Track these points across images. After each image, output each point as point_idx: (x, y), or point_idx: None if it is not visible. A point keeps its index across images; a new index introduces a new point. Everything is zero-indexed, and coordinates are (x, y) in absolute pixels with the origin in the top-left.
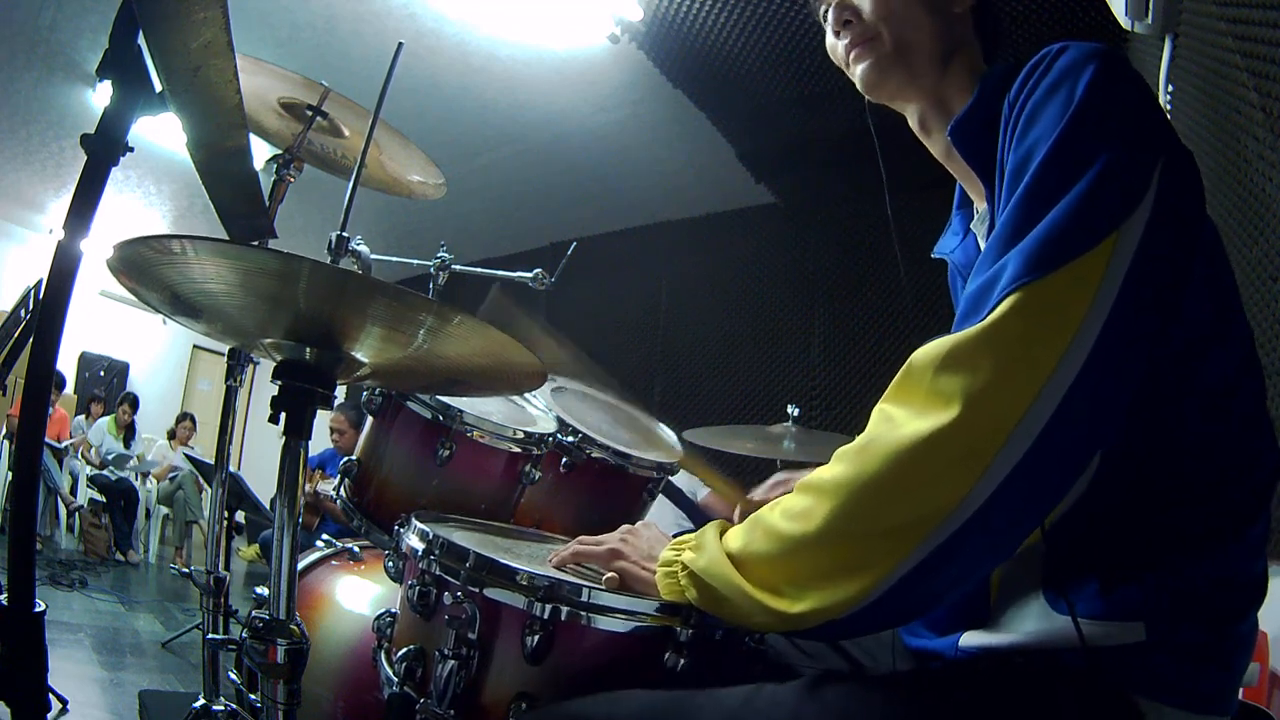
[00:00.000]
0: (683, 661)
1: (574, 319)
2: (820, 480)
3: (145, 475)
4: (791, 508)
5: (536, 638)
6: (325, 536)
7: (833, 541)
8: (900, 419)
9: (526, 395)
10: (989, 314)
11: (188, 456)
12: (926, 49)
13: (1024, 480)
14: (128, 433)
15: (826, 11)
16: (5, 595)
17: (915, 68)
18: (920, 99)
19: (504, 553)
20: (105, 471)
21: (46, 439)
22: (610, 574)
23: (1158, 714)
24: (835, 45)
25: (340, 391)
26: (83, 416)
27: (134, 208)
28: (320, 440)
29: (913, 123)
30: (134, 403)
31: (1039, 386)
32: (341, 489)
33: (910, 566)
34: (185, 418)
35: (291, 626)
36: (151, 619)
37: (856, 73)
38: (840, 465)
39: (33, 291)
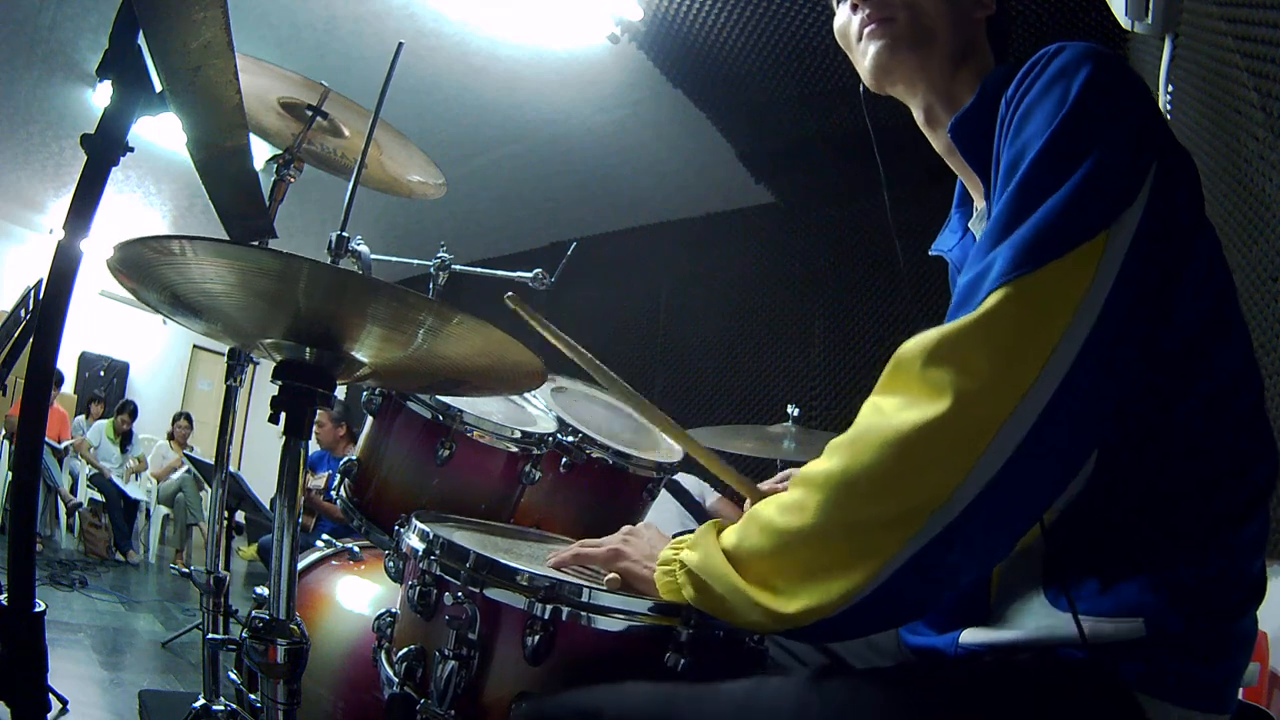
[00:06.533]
0: (683, 661)
1: (574, 319)
2: (812, 473)
3: (137, 475)
4: (785, 502)
5: (537, 638)
6: (325, 536)
7: (826, 534)
8: (890, 410)
9: (526, 395)
10: (978, 306)
11: (188, 457)
12: (942, 43)
13: (1016, 474)
14: (124, 439)
15: None
16: (5, 595)
17: (928, 58)
18: (929, 92)
19: (504, 553)
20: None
21: (46, 439)
22: (612, 574)
23: (1158, 710)
24: (848, 23)
25: (340, 391)
26: (83, 416)
27: (134, 208)
28: None
29: (918, 116)
30: (133, 413)
31: (1030, 380)
32: (341, 489)
33: (903, 560)
34: (181, 417)
35: (291, 626)
36: (151, 619)
37: (868, 53)
38: (832, 458)
39: (33, 291)
